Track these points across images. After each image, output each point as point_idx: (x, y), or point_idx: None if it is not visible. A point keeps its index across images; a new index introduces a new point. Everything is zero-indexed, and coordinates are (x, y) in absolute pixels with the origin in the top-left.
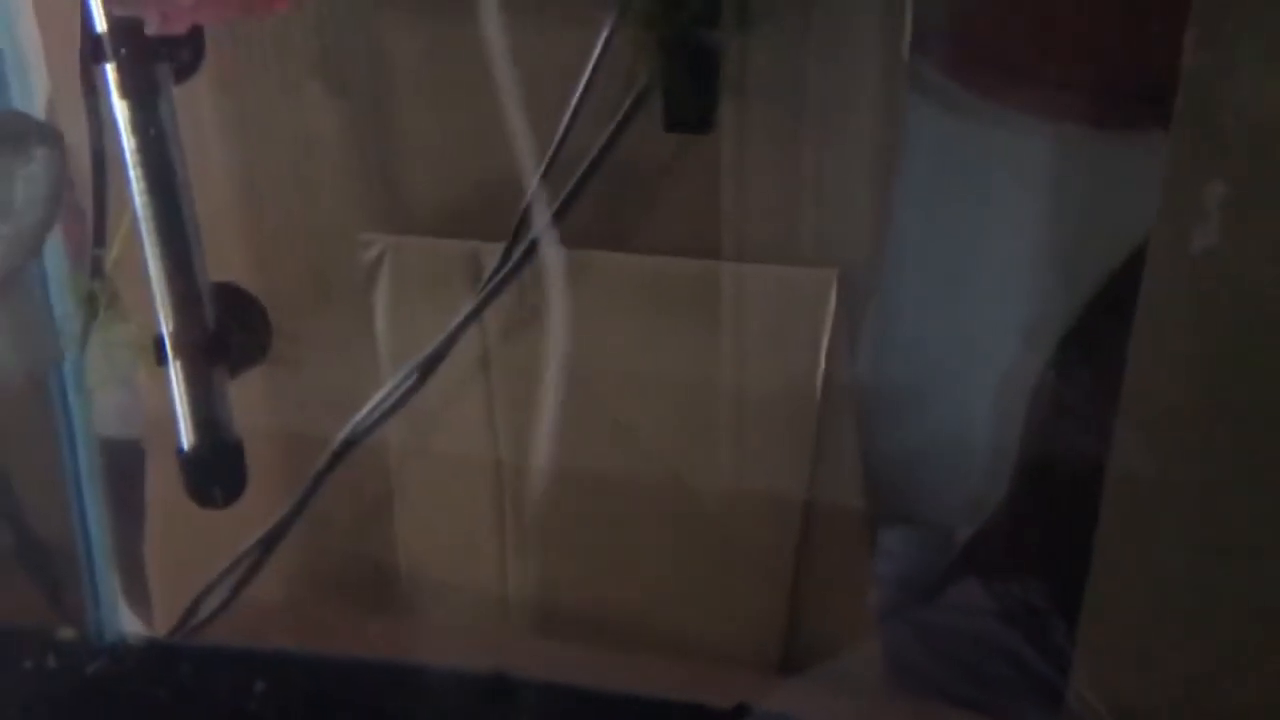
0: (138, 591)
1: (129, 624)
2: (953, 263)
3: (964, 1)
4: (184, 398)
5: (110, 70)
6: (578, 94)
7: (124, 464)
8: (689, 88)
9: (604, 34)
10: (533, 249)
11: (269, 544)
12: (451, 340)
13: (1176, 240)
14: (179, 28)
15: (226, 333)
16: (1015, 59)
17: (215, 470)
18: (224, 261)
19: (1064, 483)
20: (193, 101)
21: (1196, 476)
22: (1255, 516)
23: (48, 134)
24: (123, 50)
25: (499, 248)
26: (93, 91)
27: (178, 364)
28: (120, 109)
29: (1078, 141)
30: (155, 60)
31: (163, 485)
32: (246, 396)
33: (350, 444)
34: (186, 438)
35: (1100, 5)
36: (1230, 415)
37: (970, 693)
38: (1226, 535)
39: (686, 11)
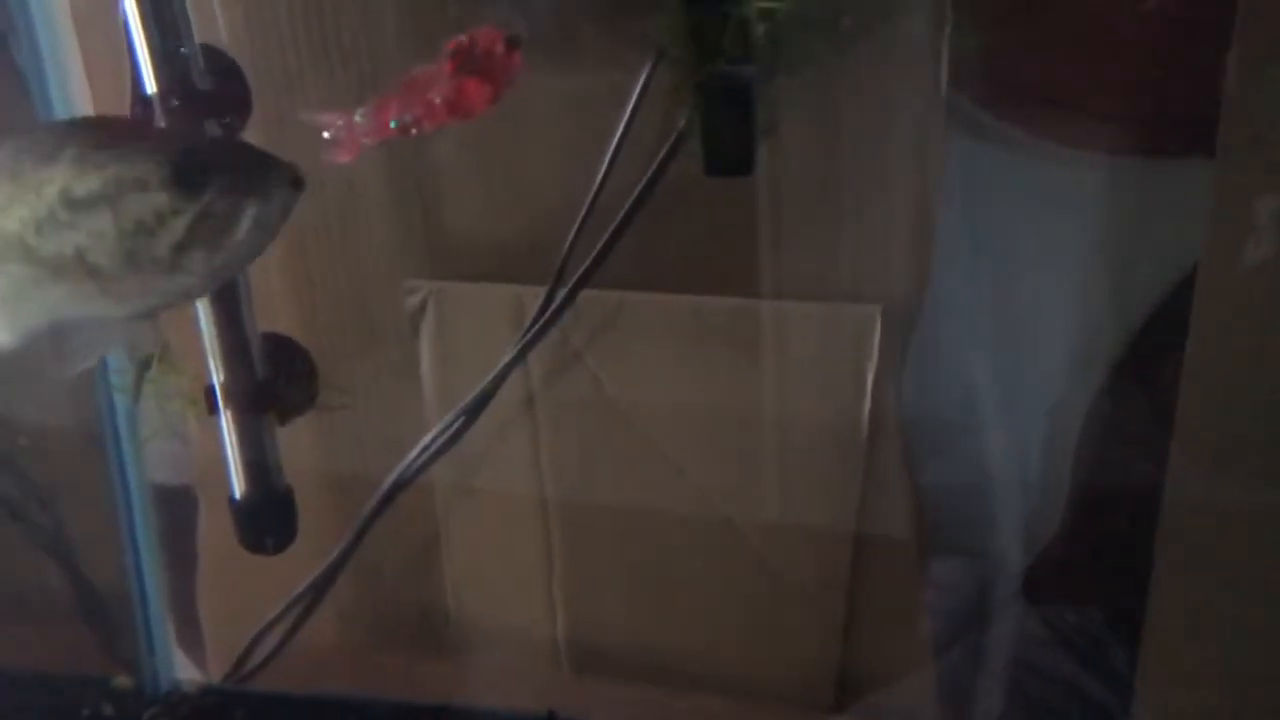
0: (192, 638)
1: (184, 671)
2: (999, 295)
3: (1000, 36)
4: (235, 447)
5: None
6: (616, 138)
7: (177, 511)
8: (726, 131)
9: (642, 79)
10: (575, 292)
11: (320, 589)
12: (496, 383)
13: (1227, 263)
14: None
15: (275, 382)
16: (1053, 91)
17: (267, 518)
18: (272, 312)
19: (1119, 512)
20: None
21: (1254, 504)
22: None
23: (289, 177)
24: (173, 105)
25: (541, 291)
26: None
27: (228, 413)
28: None
29: (1119, 171)
30: (204, 118)
31: (215, 532)
32: (297, 442)
33: (398, 487)
34: (238, 486)
35: (1136, 35)
36: None
37: None
38: None
39: (720, 55)
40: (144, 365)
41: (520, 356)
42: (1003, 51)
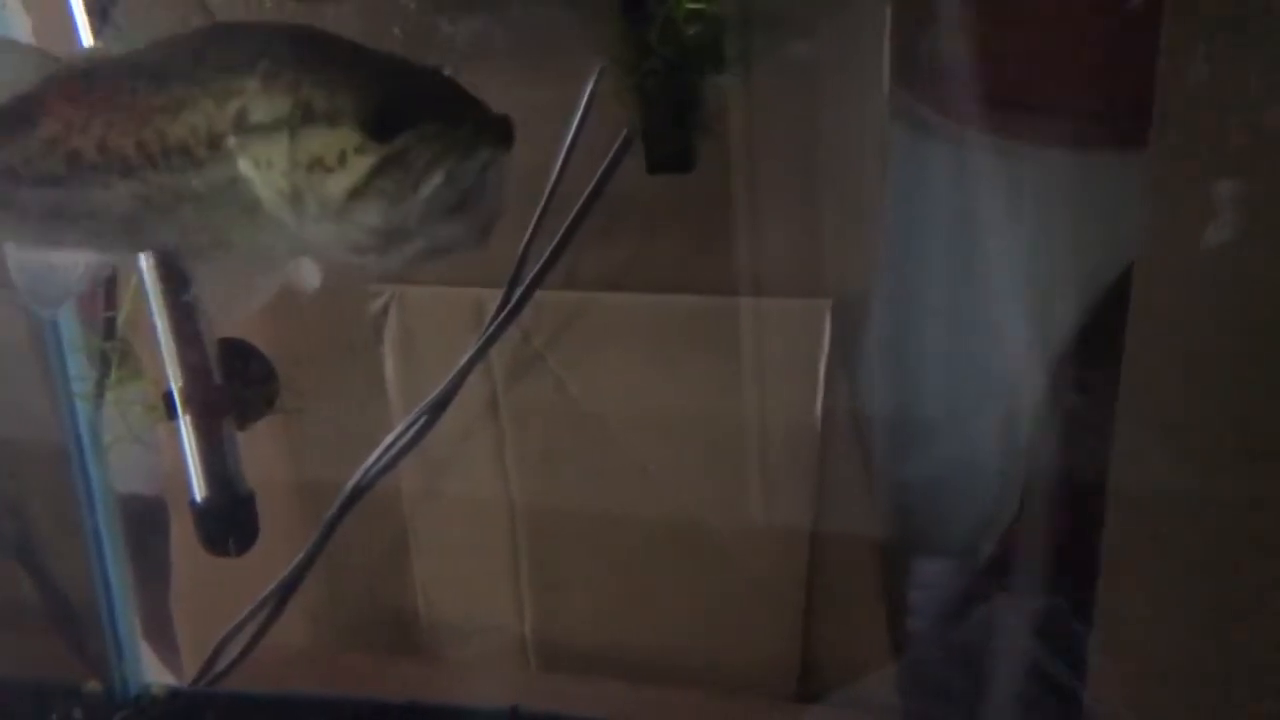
0: (168, 643)
1: (153, 674)
2: (948, 289)
3: (940, 35)
4: (194, 451)
5: None
6: (567, 143)
7: (154, 520)
8: (663, 130)
9: (589, 85)
10: (530, 291)
11: (286, 591)
12: (457, 381)
13: (1165, 253)
14: None
15: (233, 387)
16: (996, 88)
17: (227, 520)
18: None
19: (1075, 499)
20: None
21: (1194, 487)
22: (1260, 523)
23: (500, 133)
24: None
25: (500, 293)
26: None
27: (187, 418)
28: None
29: (1064, 165)
30: None
31: (186, 538)
32: (270, 447)
33: (361, 489)
34: (198, 489)
35: (1076, 30)
36: (1234, 418)
37: (998, 708)
38: (1232, 542)
39: (658, 58)
40: (103, 372)
41: (479, 355)
42: (943, 49)
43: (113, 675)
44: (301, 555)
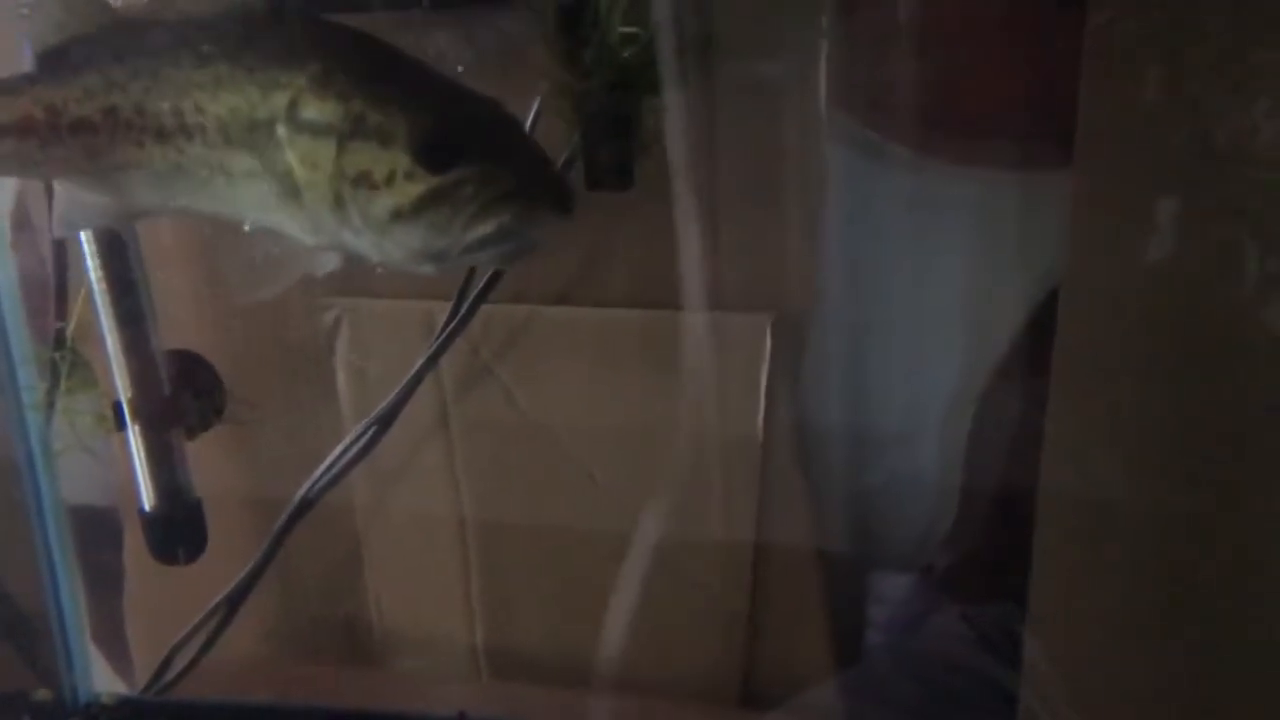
0: (120, 651)
1: (103, 683)
2: (887, 304)
3: (874, 60)
4: (143, 460)
5: None
6: None
7: (107, 529)
8: (601, 148)
9: (535, 106)
10: (478, 304)
11: (235, 601)
12: (406, 393)
13: (1087, 268)
14: None
15: (182, 397)
16: (930, 110)
17: (176, 529)
18: (186, 329)
19: (1010, 509)
20: None
21: (1119, 495)
22: (1185, 529)
23: (563, 202)
24: None
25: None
26: None
27: (136, 428)
28: None
29: (996, 184)
30: None
31: (138, 547)
32: (230, 458)
33: (309, 501)
34: (147, 498)
35: (1005, 58)
36: (1159, 425)
37: (941, 712)
38: (1159, 546)
39: (596, 78)
40: (53, 382)
41: (428, 366)
42: (876, 72)
43: (62, 684)
44: (250, 565)
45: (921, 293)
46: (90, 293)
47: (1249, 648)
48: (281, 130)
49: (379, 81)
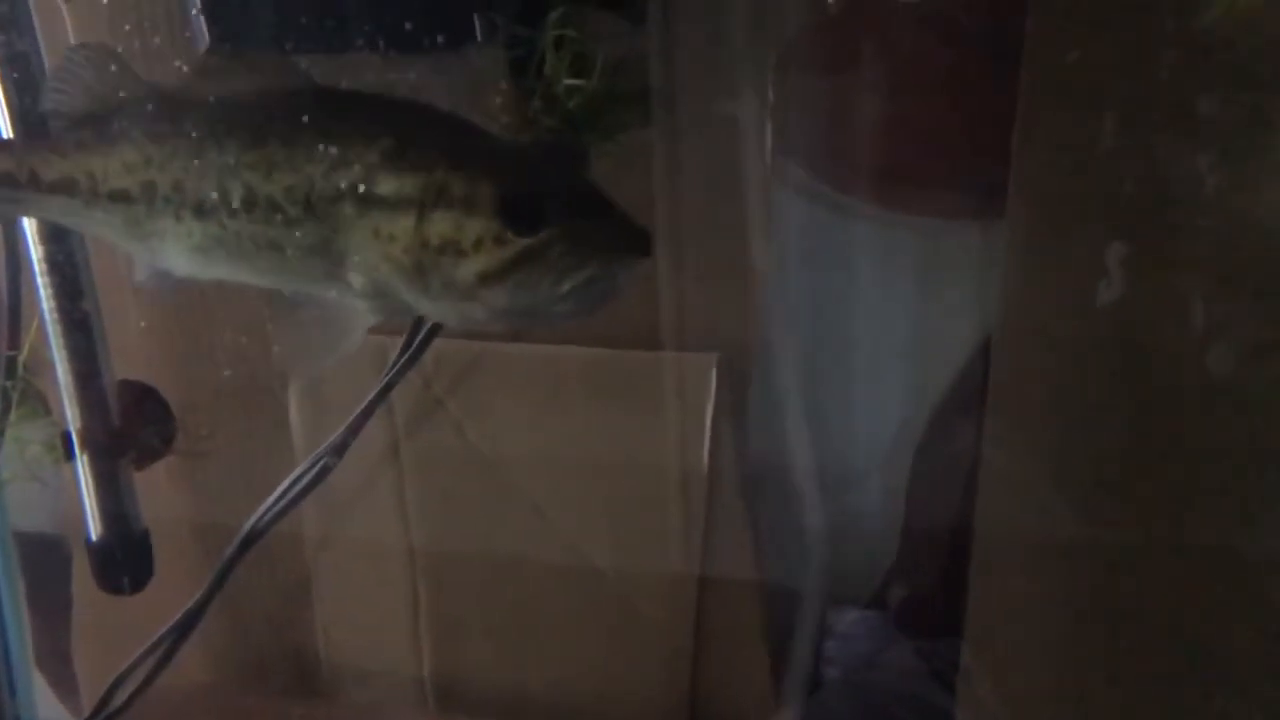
0: (67, 681)
1: (48, 712)
2: (831, 345)
3: (820, 110)
4: (91, 490)
5: None
6: None
7: (56, 557)
8: None
9: None
10: (430, 338)
11: (181, 631)
12: (357, 428)
13: (1020, 312)
14: None
15: (131, 428)
16: (871, 160)
17: (122, 559)
18: (138, 360)
19: (951, 545)
20: None
21: (1052, 531)
22: (1120, 560)
23: (641, 245)
24: None
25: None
26: None
27: (84, 458)
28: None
29: (936, 231)
30: None
31: (86, 575)
32: (180, 489)
33: (258, 531)
34: (94, 528)
35: (941, 110)
36: (1088, 458)
37: None
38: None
39: (542, 125)
40: (4, 410)
41: (380, 399)
42: (821, 125)
43: (4, 711)
44: (197, 596)
45: (864, 334)
46: (42, 322)
47: (1187, 677)
48: (350, 207)
49: (453, 151)
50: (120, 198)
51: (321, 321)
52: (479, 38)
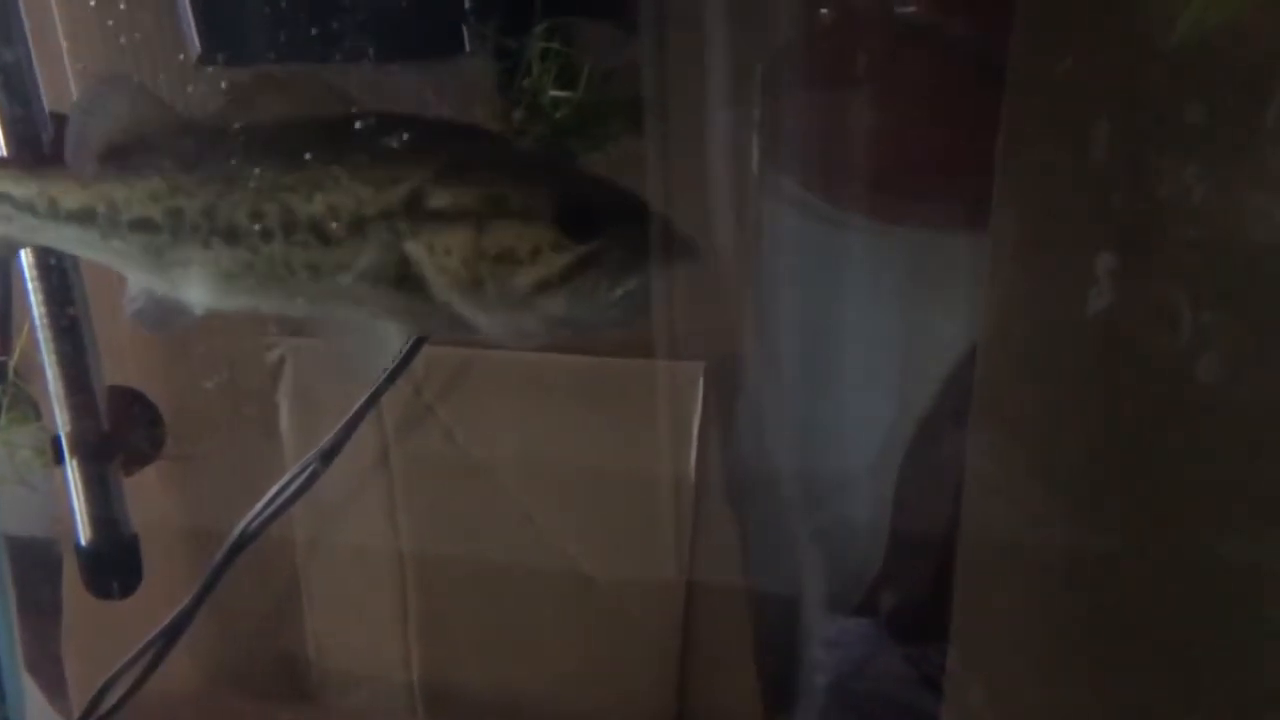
0: (57, 684)
1: (37, 715)
2: (818, 354)
3: (808, 120)
4: (80, 495)
5: None
6: None
7: (47, 561)
8: None
9: None
10: (419, 346)
11: (171, 636)
12: (346, 434)
13: (1002, 321)
14: None
15: (120, 433)
16: (860, 171)
17: (111, 564)
18: (129, 366)
19: (937, 553)
20: None
21: (1035, 539)
22: (1104, 566)
23: (690, 247)
24: None
25: None
26: None
27: (74, 463)
28: None
29: (922, 241)
30: None
31: (76, 579)
32: (171, 492)
33: (248, 536)
34: (83, 533)
35: (934, 122)
36: (1072, 464)
37: None
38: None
39: (528, 136)
40: None
41: (369, 405)
42: (810, 135)
43: None
44: (187, 601)
45: (852, 343)
46: (33, 327)
47: (1171, 681)
48: (403, 223)
49: (505, 164)
50: (142, 227)
51: (356, 343)
52: (467, 49)
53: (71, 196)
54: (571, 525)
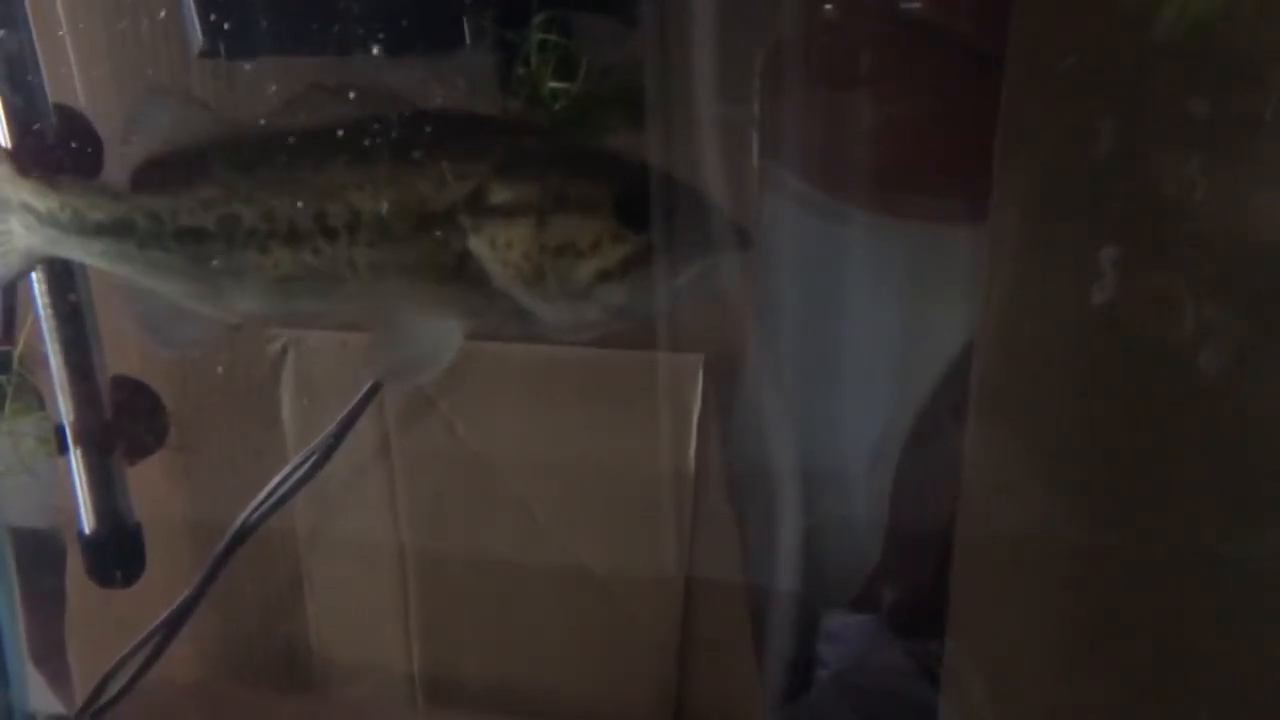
0: (61, 673)
1: (41, 704)
2: (818, 347)
3: (809, 114)
4: (83, 484)
5: None
6: None
7: (51, 550)
8: None
9: None
10: None
11: (173, 626)
12: (348, 425)
13: (1000, 315)
14: None
15: (123, 423)
16: (859, 165)
17: (114, 553)
18: (132, 355)
19: (935, 546)
20: None
21: (1033, 533)
22: (1103, 561)
23: (744, 236)
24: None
25: None
26: None
27: (77, 452)
28: None
29: (922, 236)
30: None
31: (80, 569)
32: (175, 483)
33: (249, 527)
34: (87, 522)
35: (933, 115)
36: (1071, 459)
37: None
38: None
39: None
40: None
41: (370, 396)
42: (806, 128)
43: None
44: (189, 591)
45: (851, 337)
46: (37, 317)
47: (1168, 673)
48: (465, 218)
49: (564, 158)
50: (191, 236)
51: (418, 340)
52: (468, 42)
53: (101, 210)
54: (571, 518)
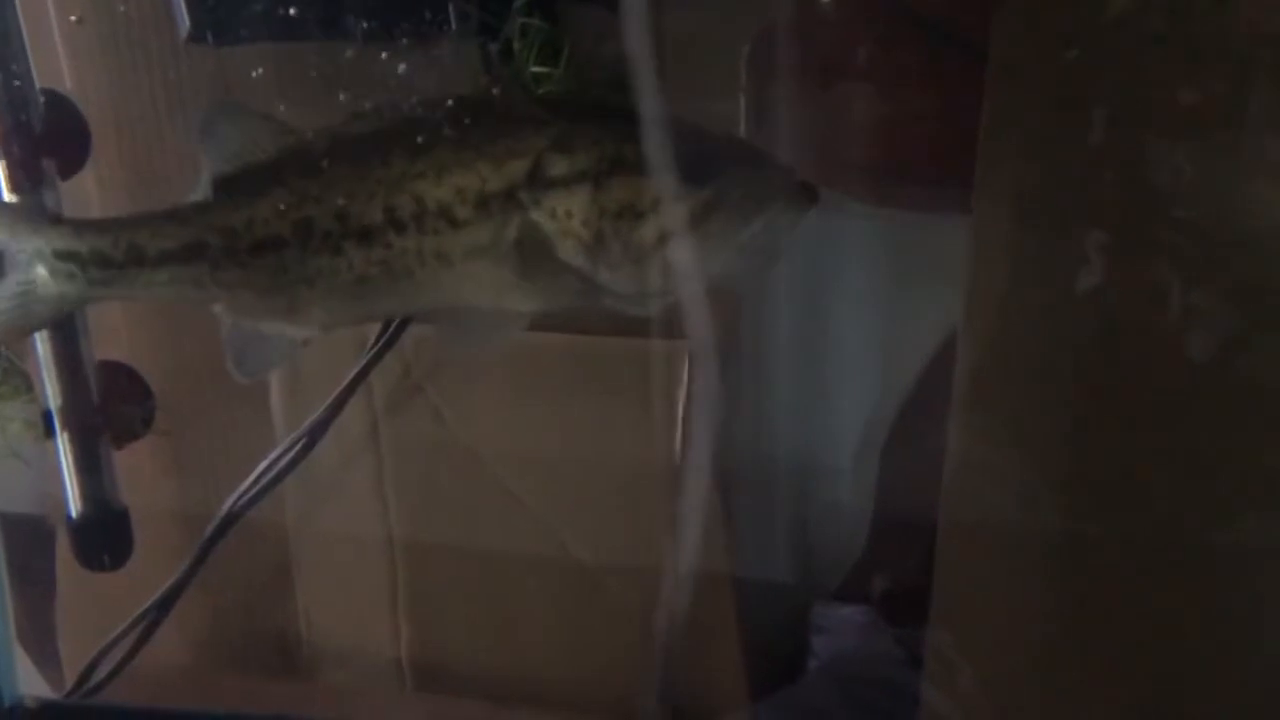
0: (50, 657)
1: (30, 687)
2: (806, 336)
3: (796, 103)
4: (70, 468)
5: None
6: None
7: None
8: None
9: None
10: (405, 324)
11: (163, 608)
12: (335, 411)
13: (985, 303)
14: None
15: (111, 407)
16: (842, 152)
17: (102, 536)
18: (120, 341)
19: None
20: (81, 193)
21: (1015, 522)
22: (1085, 549)
23: (806, 191)
24: (12, 149)
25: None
26: None
27: (64, 436)
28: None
29: (909, 225)
30: (41, 156)
31: (69, 554)
32: (162, 467)
33: (236, 512)
34: (74, 506)
35: (920, 105)
36: (1053, 448)
37: None
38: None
39: None
40: None
41: (358, 381)
42: (795, 118)
43: None
44: (177, 575)
45: (840, 326)
46: None
47: (1153, 657)
48: (525, 193)
49: (617, 124)
50: (269, 246)
51: (481, 316)
52: (453, 26)
53: (166, 237)
54: (558, 505)
